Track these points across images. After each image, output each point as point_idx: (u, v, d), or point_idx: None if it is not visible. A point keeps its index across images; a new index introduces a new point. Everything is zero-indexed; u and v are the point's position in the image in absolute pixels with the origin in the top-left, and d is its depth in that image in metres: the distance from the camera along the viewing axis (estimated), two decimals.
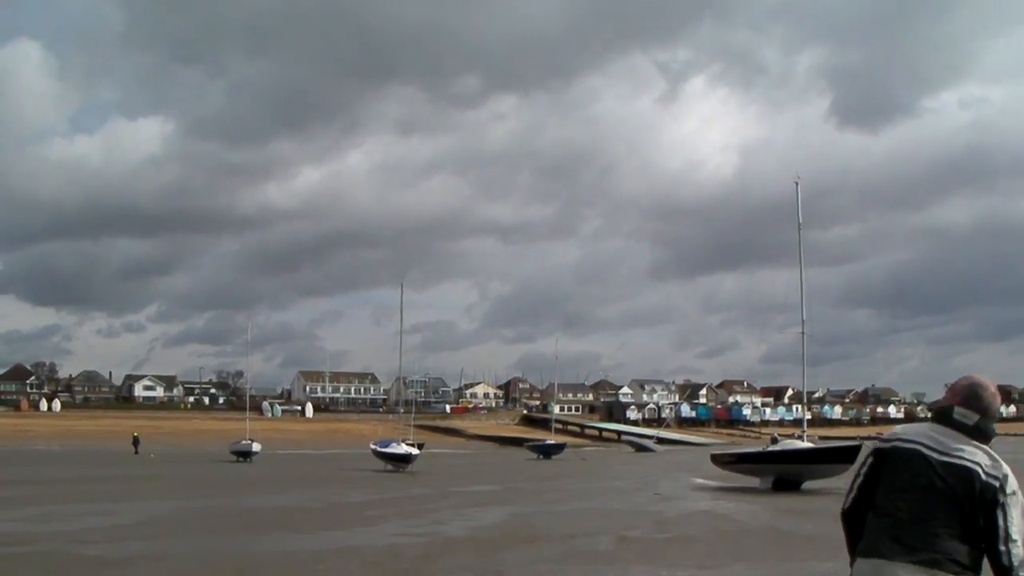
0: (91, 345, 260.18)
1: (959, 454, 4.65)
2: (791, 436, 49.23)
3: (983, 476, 4.57)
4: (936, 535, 4.52)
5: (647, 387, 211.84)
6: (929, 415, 5.15)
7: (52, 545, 19.12)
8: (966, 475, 4.58)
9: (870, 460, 4.91)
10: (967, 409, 4.81)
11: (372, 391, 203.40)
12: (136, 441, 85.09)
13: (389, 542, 20.11)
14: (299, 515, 26.51)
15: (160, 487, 39.50)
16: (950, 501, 4.55)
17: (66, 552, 18.11)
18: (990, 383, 4.93)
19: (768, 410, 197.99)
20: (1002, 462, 4.63)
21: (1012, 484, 4.57)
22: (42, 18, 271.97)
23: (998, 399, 4.93)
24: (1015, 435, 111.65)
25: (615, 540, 20.59)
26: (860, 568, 4.70)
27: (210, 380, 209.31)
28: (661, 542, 20.61)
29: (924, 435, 4.78)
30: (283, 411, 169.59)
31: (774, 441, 44.38)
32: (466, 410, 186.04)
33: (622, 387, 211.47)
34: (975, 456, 4.66)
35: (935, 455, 4.67)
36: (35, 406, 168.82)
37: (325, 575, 15.34)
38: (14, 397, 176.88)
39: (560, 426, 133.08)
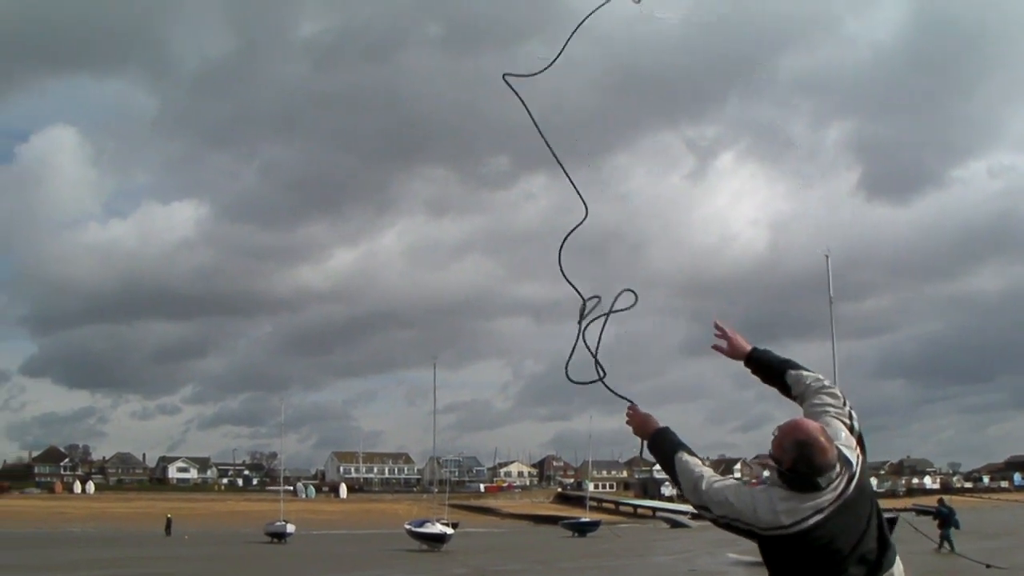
0: (125, 427, 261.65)
1: None
2: None
3: None
4: None
5: None
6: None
7: None
8: None
9: None
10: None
11: (406, 471, 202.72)
12: (169, 523, 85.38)
13: None
14: None
15: (199, 570, 39.99)
16: None
17: None
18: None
19: None
20: None
21: None
22: (77, 105, 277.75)
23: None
24: None
25: None
26: None
27: (243, 461, 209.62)
28: None
29: None
30: (317, 492, 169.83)
31: None
32: (500, 489, 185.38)
33: (655, 464, 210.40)
34: None
35: None
36: (69, 488, 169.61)
37: None
38: (48, 479, 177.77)
39: (595, 503, 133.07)
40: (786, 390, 5.32)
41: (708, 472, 4.94)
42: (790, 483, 4.68)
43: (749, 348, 5.58)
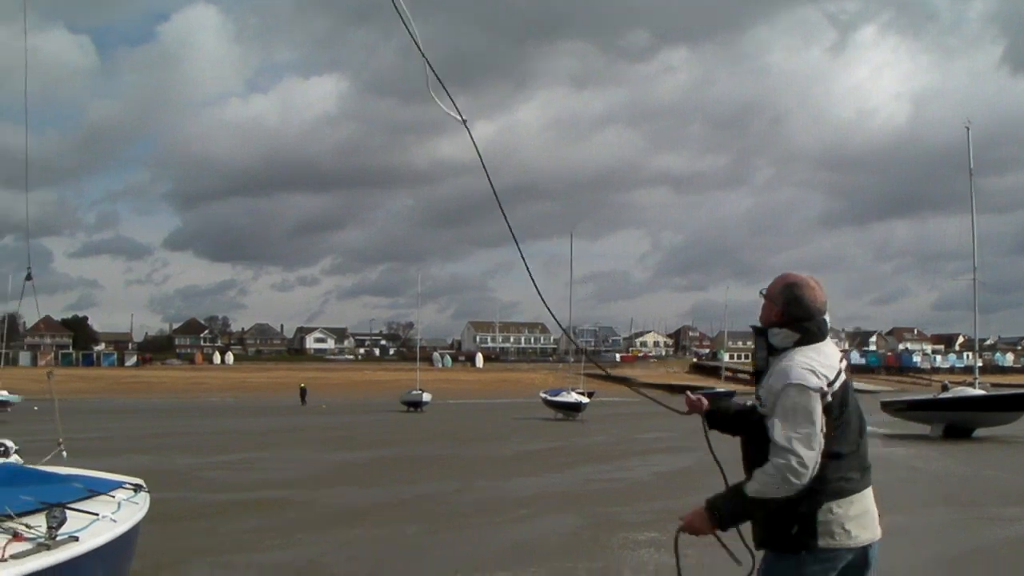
0: (265, 299, 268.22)
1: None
2: (962, 384, 48.59)
3: None
4: None
5: None
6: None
7: (264, 493, 20.01)
8: None
9: None
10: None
11: (542, 340, 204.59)
12: (303, 393, 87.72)
13: (582, 487, 20.87)
14: (486, 463, 27.43)
15: (339, 437, 40.83)
16: None
17: (279, 499, 18.96)
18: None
19: (939, 357, 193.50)
20: None
21: None
22: None
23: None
24: None
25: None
26: None
27: (380, 332, 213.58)
28: None
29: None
30: (453, 361, 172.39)
31: (945, 389, 43.96)
32: (636, 359, 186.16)
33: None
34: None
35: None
36: (208, 359, 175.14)
37: (529, 519, 15.84)
38: (189, 350, 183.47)
39: (729, 374, 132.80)
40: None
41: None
42: (803, 336, 4.61)
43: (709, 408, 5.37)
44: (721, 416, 5.23)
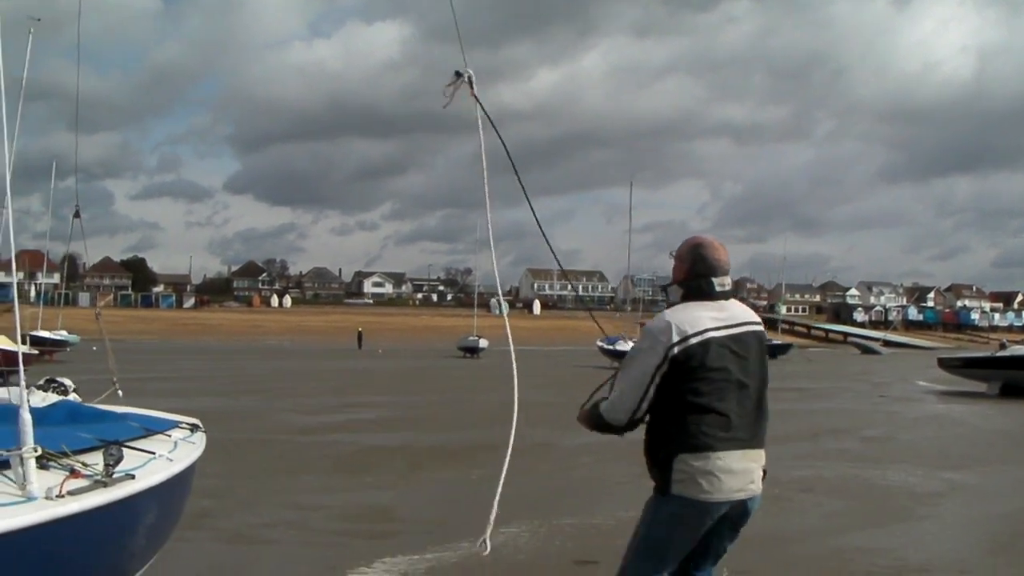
0: (324, 243, 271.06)
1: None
2: (1020, 342, 48.02)
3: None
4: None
5: (875, 289, 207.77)
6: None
7: (336, 436, 20.27)
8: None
9: None
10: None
11: (600, 289, 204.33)
12: (360, 337, 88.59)
13: (638, 439, 20.78)
14: (544, 408, 27.44)
15: (395, 381, 41.32)
16: None
17: (353, 442, 19.23)
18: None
19: (997, 315, 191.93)
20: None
21: None
22: None
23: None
24: None
25: (860, 440, 20.99)
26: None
27: (438, 277, 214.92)
28: (905, 443, 20.86)
29: None
30: (511, 308, 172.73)
31: (1003, 347, 43.52)
32: None
33: (849, 289, 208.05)
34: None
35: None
36: (267, 302, 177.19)
37: (591, 467, 16.01)
38: (247, 293, 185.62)
39: (787, 326, 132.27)
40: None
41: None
42: (687, 292, 4.95)
43: None
44: None
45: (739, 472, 4.69)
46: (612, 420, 4.88)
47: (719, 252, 5.00)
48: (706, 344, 4.70)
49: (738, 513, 4.80)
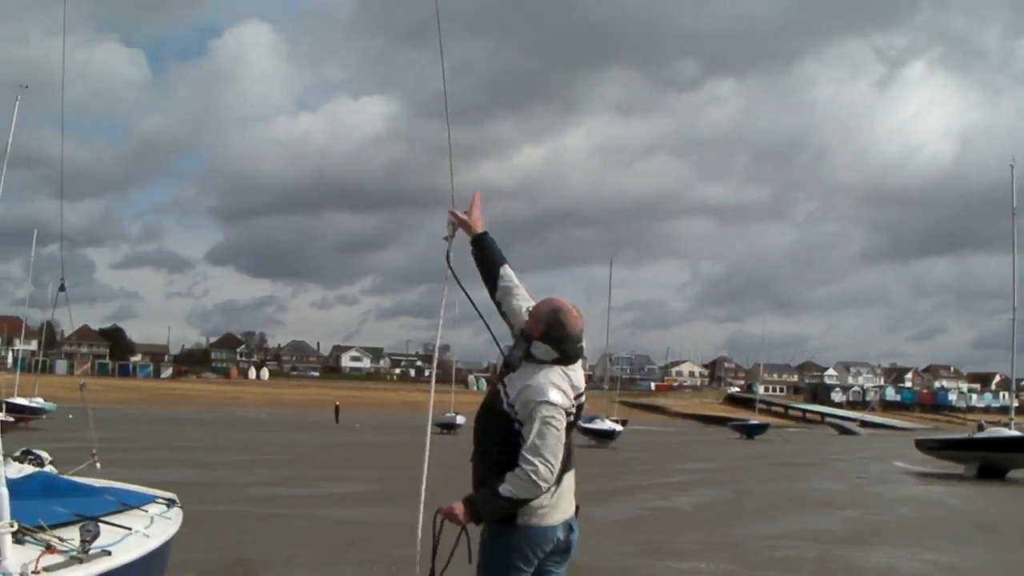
0: (304, 316, 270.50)
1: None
2: (998, 423, 48.16)
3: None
4: None
5: (852, 370, 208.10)
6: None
7: (312, 510, 19.99)
8: None
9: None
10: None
11: None
12: (337, 410, 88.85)
13: (623, 516, 20.66)
14: None
15: (372, 455, 41.21)
16: None
17: (327, 517, 19.03)
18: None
19: (975, 396, 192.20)
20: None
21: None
22: (273, 1, 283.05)
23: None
24: None
25: (841, 520, 20.88)
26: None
27: (416, 353, 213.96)
28: (885, 524, 20.76)
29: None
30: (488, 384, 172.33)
31: (980, 428, 43.68)
32: (671, 388, 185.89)
33: (827, 369, 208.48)
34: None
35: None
36: (244, 374, 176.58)
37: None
38: (225, 365, 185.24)
39: (764, 406, 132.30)
40: (493, 282, 5.65)
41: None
42: (558, 356, 5.09)
43: (482, 230, 5.77)
44: (486, 253, 5.75)
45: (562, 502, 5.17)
46: (546, 487, 4.91)
47: (577, 320, 5.15)
48: (580, 407, 5.20)
49: (567, 534, 5.25)
